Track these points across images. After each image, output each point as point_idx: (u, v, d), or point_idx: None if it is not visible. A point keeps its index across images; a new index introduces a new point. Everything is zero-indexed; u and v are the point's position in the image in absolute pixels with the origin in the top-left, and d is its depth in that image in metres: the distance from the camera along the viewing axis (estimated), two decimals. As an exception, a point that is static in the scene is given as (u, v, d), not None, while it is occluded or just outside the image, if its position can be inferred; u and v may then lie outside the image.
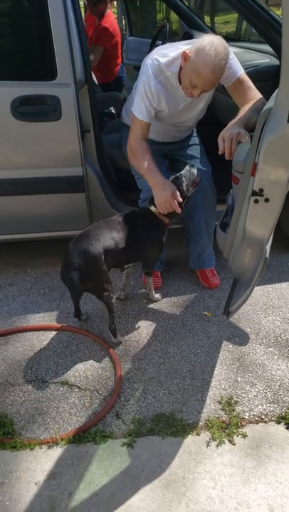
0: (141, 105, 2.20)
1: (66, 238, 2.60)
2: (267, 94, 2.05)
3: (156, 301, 2.61)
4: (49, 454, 1.75)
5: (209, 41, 1.94)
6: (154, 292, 2.60)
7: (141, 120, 2.22)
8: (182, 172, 2.27)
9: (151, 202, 2.27)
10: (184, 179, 2.25)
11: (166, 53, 2.14)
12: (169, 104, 2.24)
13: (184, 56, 2.02)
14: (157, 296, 2.62)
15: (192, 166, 2.31)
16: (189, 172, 2.28)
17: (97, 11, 4.25)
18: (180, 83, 2.15)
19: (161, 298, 2.64)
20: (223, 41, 1.98)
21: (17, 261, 3.02)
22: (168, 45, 2.25)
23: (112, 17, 4.39)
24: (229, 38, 4.02)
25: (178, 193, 2.18)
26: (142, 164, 2.22)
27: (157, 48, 2.26)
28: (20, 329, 2.40)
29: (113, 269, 2.25)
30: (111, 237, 2.14)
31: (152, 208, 2.27)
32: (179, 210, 2.20)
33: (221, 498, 1.60)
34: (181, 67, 2.10)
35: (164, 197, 2.17)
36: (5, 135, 2.38)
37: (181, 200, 2.19)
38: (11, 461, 1.73)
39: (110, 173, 2.70)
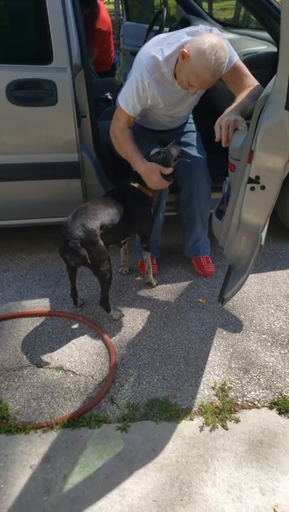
0: (129, 99, 2.18)
1: (62, 224, 2.60)
2: (265, 81, 2.04)
3: (150, 285, 2.63)
4: (44, 438, 1.77)
5: (210, 44, 1.91)
6: (151, 272, 2.64)
7: (127, 113, 2.21)
8: (167, 147, 2.30)
9: (134, 178, 2.35)
10: (166, 154, 2.29)
11: (163, 48, 2.08)
12: (164, 99, 2.22)
13: (182, 54, 1.97)
14: (153, 280, 2.64)
15: (178, 143, 2.33)
16: (173, 147, 2.30)
17: (89, 14, 4.09)
18: (175, 78, 2.12)
19: (156, 284, 2.65)
20: (222, 42, 1.96)
21: (12, 247, 3.01)
22: (162, 37, 2.19)
23: (103, 9, 4.24)
24: (227, 25, 3.99)
25: (164, 169, 2.25)
26: (126, 152, 2.29)
27: (152, 42, 2.19)
28: (16, 315, 2.40)
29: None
30: (107, 212, 2.21)
31: (135, 185, 2.34)
32: (167, 185, 2.33)
33: (213, 481, 1.63)
34: (176, 62, 2.07)
35: (153, 182, 2.27)
36: (0, 120, 2.35)
37: (169, 171, 2.27)
38: (6, 444, 1.74)
39: (106, 159, 2.68)
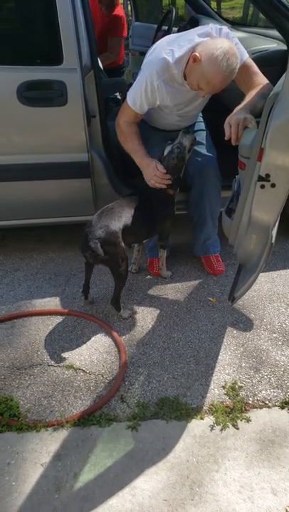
0: (136, 98, 2.20)
1: (71, 224, 2.61)
2: (274, 79, 2.03)
3: (165, 278, 2.70)
4: (55, 436, 1.78)
5: (222, 50, 1.91)
6: (165, 268, 2.69)
7: (133, 110, 2.23)
8: (175, 142, 2.32)
9: None
10: (173, 152, 2.31)
11: (173, 50, 2.08)
12: (174, 100, 2.23)
13: (194, 58, 1.98)
14: (168, 273, 2.70)
15: (187, 132, 2.33)
16: (184, 138, 2.31)
17: (107, 2, 4.10)
18: (185, 78, 2.12)
19: (171, 275, 2.70)
20: (234, 49, 1.96)
21: (23, 246, 3.03)
22: (173, 38, 2.19)
23: (119, 4, 4.30)
24: (236, 23, 3.98)
25: (160, 166, 2.28)
26: (130, 146, 2.32)
27: (162, 42, 2.19)
28: (26, 314, 2.42)
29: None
30: (131, 214, 2.26)
31: None
32: (168, 182, 2.31)
33: (224, 480, 1.62)
34: (186, 64, 2.06)
35: (148, 176, 2.31)
36: (11, 120, 2.37)
37: (163, 171, 2.28)
38: (17, 442, 1.75)
39: (116, 159, 2.69)
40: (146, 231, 2.42)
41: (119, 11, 4.18)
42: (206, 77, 1.97)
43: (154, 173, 2.28)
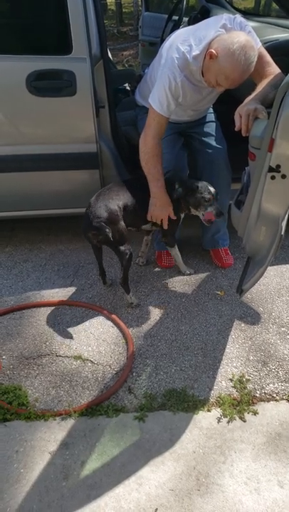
0: (163, 99, 2.10)
1: (80, 215, 2.61)
2: (286, 68, 2.01)
3: (188, 275, 2.66)
4: (62, 425, 1.79)
5: (239, 45, 1.88)
6: (183, 264, 2.65)
7: (161, 115, 2.14)
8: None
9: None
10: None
11: (191, 45, 2.04)
12: (193, 97, 2.21)
13: (210, 55, 1.95)
14: (189, 270, 2.67)
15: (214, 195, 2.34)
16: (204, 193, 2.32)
17: None
18: (202, 75, 2.09)
19: (192, 272, 2.68)
20: (251, 42, 1.93)
21: (32, 238, 3.04)
22: (189, 31, 2.14)
23: None
24: (248, 13, 3.93)
25: (171, 215, 2.32)
26: (152, 171, 2.23)
27: (178, 37, 2.13)
28: (35, 304, 2.43)
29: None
30: (129, 194, 2.27)
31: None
32: (165, 225, 2.37)
33: (230, 472, 1.62)
34: (203, 61, 2.04)
35: (158, 213, 2.31)
36: (20, 110, 2.36)
37: (173, 217, 2.34)
38: (26, 431, 1.77)
39: (124, 150, 2.68)
40: (144, 214, 2.35)
41: None
42: (224, 72, 1.95)
43: (162, 216, 2.31)
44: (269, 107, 1.75)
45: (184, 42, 2.08)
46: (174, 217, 2.33)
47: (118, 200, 2.21)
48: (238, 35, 1.94)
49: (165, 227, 2.36)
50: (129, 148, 2.77)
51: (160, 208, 2.30)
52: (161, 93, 2.10)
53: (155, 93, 2.13)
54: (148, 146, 2.19)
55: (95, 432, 1.76)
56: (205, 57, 2.01)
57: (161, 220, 2.35)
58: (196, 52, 2.03)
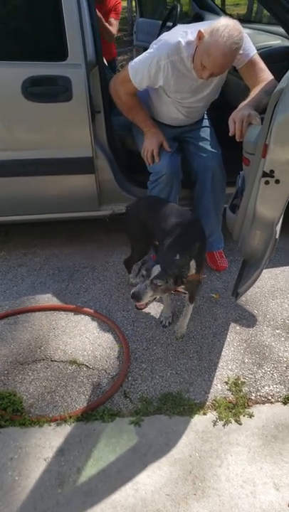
0: (139, 71, 2.19)
1: (75, 220, 2.61)
2: (279, 75, 2.02)
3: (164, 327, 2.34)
4: (57, 431, 1.78)
5: (224, 23, 1.92)
6: (186, 323, 2.25)
7: (133, 83, 2.22)
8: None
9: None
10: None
11: (187, 32, 2.11)
12: (177, 83, 2.22)
13: (199, 36, 1.99)
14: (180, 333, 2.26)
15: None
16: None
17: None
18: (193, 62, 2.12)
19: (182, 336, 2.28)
20: (238, 26, 1.95)
21: (26, 242, 3.03)
22: (190, 25, 2.23)
23: None
24: (240, 20, 3.96)
25: (165, 144, 2.37)
26: (136, 117, 2.40)
27: (180, 26, 2.24)
28: (30, 309, 2.42)
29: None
30: (155, 215, 2.12)
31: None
32: (151, 162, 2.40)
33: (227, 476, 1.62)
34: (196, 49, 2.07)
35: (149, 142, 2.38)
36: (16, 115, 2.36)
37: (168, 149, 2.38)
38: (20, 437, 1.76)
39: (120, 154, 2.68)
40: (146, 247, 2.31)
41: None
42: (208, 49, 1.96)
43: (153, 146, 2.36)
44: (262, 113, 1.77)
45: (184, 29, 2.16)
46: (168, 149, 2.38)
47: (139, 210, 2.24)
48: (227, 19, 1.98)
49: (157, 160, 2.39)
50: (124, 152, 2.78)
51: (151, 137, 2.38)
52: (141, 67, 2.19)
53: (138, 61, 2.21)
54: (123, 100, 2.34)
55: (90, 438, 1.75)
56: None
57: (192, 282, 1.99)
58: (190, 38, 2.08)
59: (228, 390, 1.95)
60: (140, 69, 2.18)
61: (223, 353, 2.13)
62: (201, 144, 2.48)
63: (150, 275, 1.75)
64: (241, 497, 1.55)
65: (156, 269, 1.74)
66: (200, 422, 1.81)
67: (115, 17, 4.09)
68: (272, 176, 1.69)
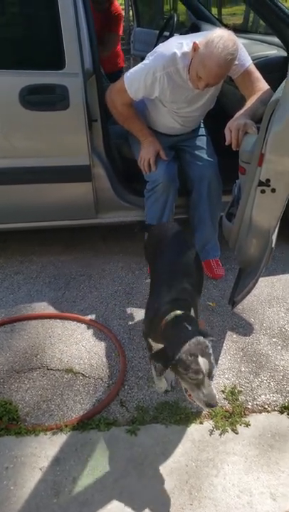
0: (135, 81, 2.21)
1: (72, 227, 2.61)
2: (275, 85, 2.04)
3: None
4: (53, 440, 1.77)
5: (219, 35, 1.95)
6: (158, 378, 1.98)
7: (128, 93, 2.24)
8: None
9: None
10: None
11: (183, 43, 2.13)
12: (173, 93, 2.24)
13: (194, 47, 2.01)
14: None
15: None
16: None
17: (102, 8, 4.07)
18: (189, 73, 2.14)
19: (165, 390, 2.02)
20: (233, 36, 1.98)
21: (23, 250, 3.03)
22: (186, 36, 2.26)
23: (116, 2, 4.25)
24: (236, 30, 4.00)
25: (162, 153, 2.39)
26: (133, 126, 2.44)
27: (176, 37, 2.28)
28: (26, 317, 2.42)
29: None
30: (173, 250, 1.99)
31: None
32: (147, 171, 2.43)
33: (223, 485, 1.61)
34: (191, 60, 2.09)
35: (145, 151, 2.41)
36: (13, 124, 2.37)
37: (165, 158, 2.40)
38: (16, 446, 1.74)
39: (117, 163, 2.70)
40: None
41: (117, 8, 4.16)
42: (203, 60, 1.98)
43: (150, 154, 2.39)
44: (258, 122, 1.79)
45: (179, 39, 2.18)
46: (165, 157, 2.40)
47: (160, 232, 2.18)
48: (223, 30, 2.01)
49: (153, 169, 2.41)
50: (121, 160, 2.79)
51: (147, 146, 2.40)
52: (136, 77, 2.21)
53: (133, 71, 2.23)
54: (119, 110, 2.37)
55: (86, 447, 1.74)
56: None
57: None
58: (185, 49, 2.11)
59: (224, 398, 1.94)
60: (136, 79, 2.20)
61: (219, 362, 2.13)
62: (197, 152, 2.49)
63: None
64: (238, 507, 1.54)
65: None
66: (196, 431, 1.80)
67: (114, 30, 4.12)
68: (269, 185, 1.71)
